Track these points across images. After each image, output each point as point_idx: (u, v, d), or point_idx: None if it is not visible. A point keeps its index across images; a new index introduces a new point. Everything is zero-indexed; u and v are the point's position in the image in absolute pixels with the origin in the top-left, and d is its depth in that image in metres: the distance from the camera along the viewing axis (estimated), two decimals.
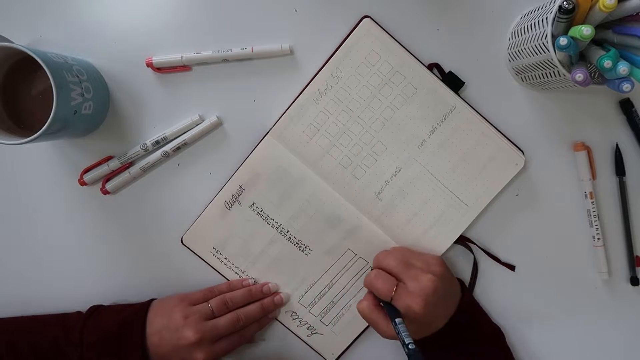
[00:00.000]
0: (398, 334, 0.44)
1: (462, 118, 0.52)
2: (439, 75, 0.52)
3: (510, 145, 0.53)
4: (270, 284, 0.55)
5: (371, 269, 0.53)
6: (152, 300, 0.53)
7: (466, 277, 0.55)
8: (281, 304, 0.55)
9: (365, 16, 0.51)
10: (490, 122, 0.53)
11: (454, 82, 0.52)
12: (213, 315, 0.51)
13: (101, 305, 0.53)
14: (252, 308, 0.53)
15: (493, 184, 0.53)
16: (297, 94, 0.52)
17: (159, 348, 0.49)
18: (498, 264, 0.55)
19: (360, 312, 0.49)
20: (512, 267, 0.55)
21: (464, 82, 0.52)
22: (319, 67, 0.52)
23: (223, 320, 0.51)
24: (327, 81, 0.52)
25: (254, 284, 0.55)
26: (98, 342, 0.48)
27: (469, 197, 0.53)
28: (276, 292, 0.55)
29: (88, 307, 0.52)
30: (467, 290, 0.53)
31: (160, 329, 0.49)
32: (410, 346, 0.42)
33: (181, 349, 0.49)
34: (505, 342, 0.54)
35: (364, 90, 0.52)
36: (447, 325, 0.48)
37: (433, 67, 0.52)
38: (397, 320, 0.45)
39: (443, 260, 0.51)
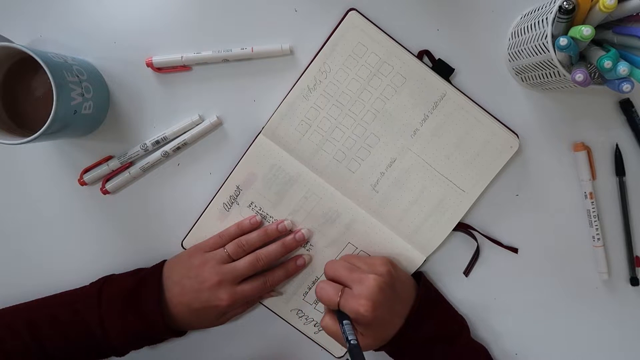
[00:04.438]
0: (343, 333, 0.44)
1: (454, 104, 0.52)
2: (429, 63, 0.52)
3: (503, 128, 0.53)
4: (285, 222, 0.54)
5: None
6: (164, 260, 0.53)
7: (465, 264, 0.55)
8: (303, 240, 0.54)
9: (351, 9, 0.51)
10: (482, 107, 0.52)
11: (444, 69, 0.52)
12: (230, 259, 0.51)
13: (114, 274, 0.53)
14: (272, 247, 0.52)
15: (489, 169, 0.53)
16: (288, 92, 0.52)
17: (182, 297, 0.50)
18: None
19: (323, 328, 0.48)
20: (515, 250, 0.55)
21: (454, 69, 0.52)
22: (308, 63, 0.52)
23: (242, 262, 0.51)
24: (316, 76, 0.52)
25: (261, 221, 0.54)
26: (116, 300, 0.49)
27: (466, 183, 0.53)
28: (297, 230, 0.54)
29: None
30: (424, 284, 0.52)
31: (180, 279, 0.50)
32: (352, 341, 0.42)
33: (204, 293, 0.49)
34: (469, 334, 0.53)
35: (353, 83, 0.52)
36: (406, 323, 0.48)
37: (423, 54, 0.52)
38: (344, 322, 0.45)
39: (389, 260, 0.50)
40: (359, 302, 0.44)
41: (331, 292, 0.46)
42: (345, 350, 0.56)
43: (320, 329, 0.56)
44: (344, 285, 0.47)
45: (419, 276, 0.54)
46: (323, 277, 0.55)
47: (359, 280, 0.46)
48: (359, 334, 0.46)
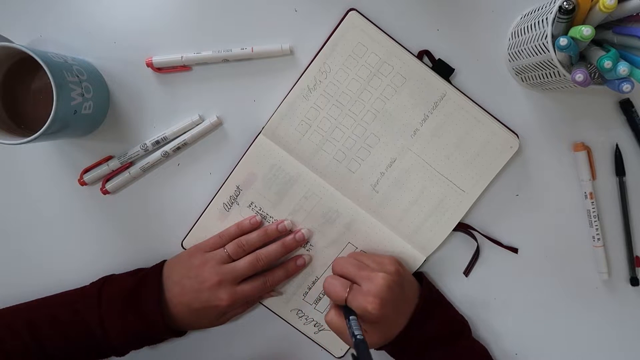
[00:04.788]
0: (349, 328, 0.44)
1: (454, 104, 0.52)
2: (429, 63, 0.52)
3: (503, 128, 0.53)
4: (285, 222, 0.54)
5: None
6: (164, 260, 0.53)
7: (465, 264, 0.56)
8: (303, 240, 0.54)
9: (351, 9, 0.51)
10: (482, 107, 0.52)
11: (444, 70, 0.52)
12: (230, 259, 0.51)
13: (114, 274, 0.53)
14: (272, 247, 0.52)
15: (489, 169, 0.53)
16: (288, 92, 0.52)
17: (182, 297, 0.50)
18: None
19: (327, 324, 0.48)
20: (515, 250, 0.55)
21: (454, 69, 0.52)
22: (308, 63, 0.52)
23: (242, 262, 0.51)
24: (316, 77, 0.52)
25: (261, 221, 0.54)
26: (116, 299, 0.49)
27: (466, 183, 0.53)
28: (297, 230, 0.54)
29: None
30: (427, 284, 0.52)
31: (180, 279, 0.50)
32: (358, 336, 0.42)
33: (204, 293, 0.49)
34: (470, 335, 0.53)
35: (353, 83, 0.52)
36: (409, 323, 0.48)
37: (423, 54, 0.52)
38: (350, 317, 0.45)
39: (397, 259, 0.51)
40: (367, 299, 0.44)
41: (339, 288, 0.46)
42: (344, 349, 0.56)
43: (321, 328, 0.56)
44: (352, 281, 0.47)
45: (420, 276, 0.54)
46: (323, 277, 0.55)
47: (368, 277, 0.46)
48: (364, 331, 0.46)
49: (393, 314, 0.47)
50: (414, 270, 0.54)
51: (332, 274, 0.50)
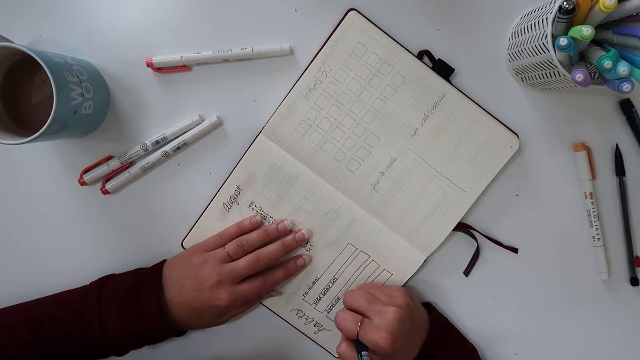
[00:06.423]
0: None
1: (454, 104, 0.52)
2: (429, 63, 0.52)
3: (503, 128, 0.53)
4: (285, 222, 0.54)
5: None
6: (164, 260, 0.53)
7: (465, 264, 0.56)
8: (303, 240, 0.54)
9: (351, 9, 0.51)
10: (482, 107, 0.52)
11: (443, 69, 0.52)
12: (230, 259, 0.51)
13: (114, 273, 0.53)
14: (272, 247, 0.53)
15: (489, 168, 0.53)
16: (288, 91, 0.52)
17: (181, 297, 0.50)
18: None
19: (339, 355, 0.48)
20: (515, 250, 0.55)
21: (454, 69, 0.52)
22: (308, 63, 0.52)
23: (242, 262, 0.51)
24: (316, 76, 0.52)
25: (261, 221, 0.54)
26: (116, 299, 0.49)
27: (466, 183, 0.53)
28: (297, 230, 0.54)
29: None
30: (436, 315, 0.53)
31: (179, 278, 0.50)
32: None
33: (203, 292, 0.49)
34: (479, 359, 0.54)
35: (353, 83, 0.52)
36: (420, 355, 0.48)
37: (423, 54, 0.52)
38: (362, 353, 0.45)
39: (407, 291, 0.51)
40: (379, 335, 0.45)
41: (350, 322, 0.47)
42: None
43: (321, 328, 0.56)
44: (363, 315, 0.48)
45: (429, 306, 0.54)
46: (323, 277, 0.55)
47: (379, 311, 0.47)
48: None
49: (404, 347, 0.47)
50: (414, 270, 0.54)
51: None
